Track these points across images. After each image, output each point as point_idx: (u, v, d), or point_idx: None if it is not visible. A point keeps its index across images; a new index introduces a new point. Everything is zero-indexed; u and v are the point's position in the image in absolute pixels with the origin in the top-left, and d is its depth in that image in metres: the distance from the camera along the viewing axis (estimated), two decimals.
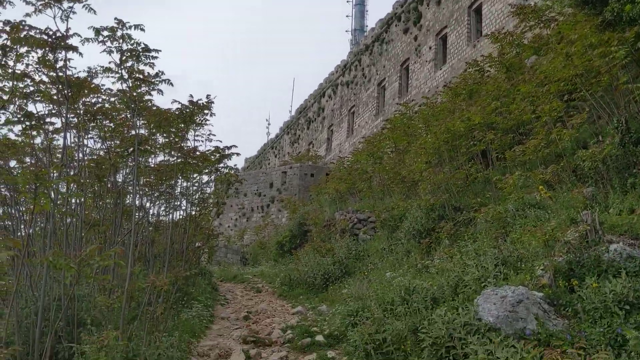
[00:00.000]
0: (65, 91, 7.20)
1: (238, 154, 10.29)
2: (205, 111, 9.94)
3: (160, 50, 7.52)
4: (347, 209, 18.22)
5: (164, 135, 10.03)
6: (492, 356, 5.68)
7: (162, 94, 8.52)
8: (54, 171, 7.07)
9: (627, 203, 8.04)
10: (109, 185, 10.74)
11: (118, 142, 9.17)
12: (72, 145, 9.48)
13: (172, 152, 9.65)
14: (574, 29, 10.27)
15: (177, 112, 9.14)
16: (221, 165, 10.55)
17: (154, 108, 9.19)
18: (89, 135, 10.20)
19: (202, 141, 11.10)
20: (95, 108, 8.03)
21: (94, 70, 8.47)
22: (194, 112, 9.25)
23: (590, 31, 9.55)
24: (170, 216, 12.84)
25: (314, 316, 10.80)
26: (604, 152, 9.12)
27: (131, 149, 8.43)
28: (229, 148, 9.95)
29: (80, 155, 9.79)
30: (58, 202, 7.95)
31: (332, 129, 45.53)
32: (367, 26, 61.79)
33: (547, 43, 13.96)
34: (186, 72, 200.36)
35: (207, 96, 9.81)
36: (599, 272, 6.60)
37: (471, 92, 15.07)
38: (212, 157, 10.20)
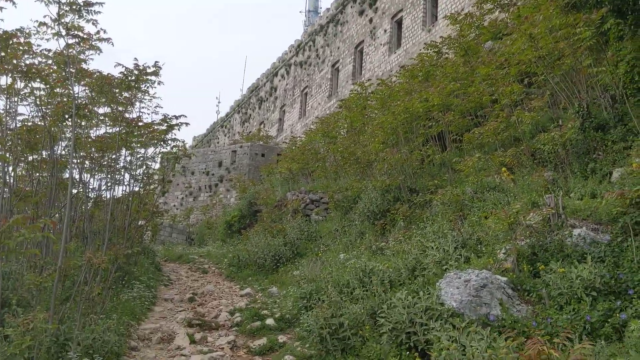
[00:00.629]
0: None
1: (187, 124, 9.59)
2: (152, 77, 9.20)
3: (104, 4, 6.76)
4: (300, 190, 17.76)
5: (106, 104, 9.24)
6: (457, 343, 5.36)
7: (101, 53, 7.70)
8: None
9: (588, 188, 7.91)
10: (44, 156, 9.87)
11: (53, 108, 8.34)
12: (1, 111, 8.59)
13: (115, 122, 8.87)
14: (537, 10, 10.06)
15: (121, 77, 8.37)
16: (169, 136, 9.83)
17: (96, 73, 8.41)
18: (24, 103, 9.32)
19: (149, 114, 10.41)
20: (26, 67, 7.17)
21: (27, 30, 7.63)
22: (140, 78, 8.50)
23: (555, 12, 9.35)
24: (112, 192, 12.04)
25: (264, 299, 10.33)
26: (565, 136, 8.99)
27: (68, 115, 7.64)
28: (177, 117, 9.24)
29: (11, 122, 8.92)
30: None
31: (285, 109, 44.83)
32: (321, 7, 61.08)
33: (506, 27, 13.82)
34: (133, 44, 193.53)
35: (155, 62, 9.06)
36: (562, 256, 6.40)
37: (428, 74, 14.80)
38: (159, 127, 9.45)
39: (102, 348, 5.84)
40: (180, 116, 9.20)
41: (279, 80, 47.01)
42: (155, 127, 9.38)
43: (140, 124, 9.07)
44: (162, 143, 10.04)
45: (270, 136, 42.79)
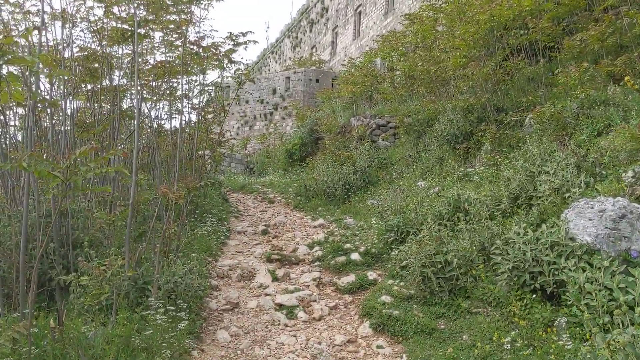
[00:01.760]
0: None
1: (255, 42, 8.62)
2: None
3: None
4: (364, 114, 16.73)
5: (163, 27, 8.34)
6: (599, 285, 4.49)
7: None
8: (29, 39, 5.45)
9: None
10: (105, 84, 9.24)
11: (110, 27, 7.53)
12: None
13: (175, 41, 8.01)
14: None
15: None
16: (234, 56, 8.91)
17: None
18: (79, 28, 8.58)
19: (207, 36, 9.45)
20: None
21: None
22: None
23: None
24: (172, 121, 11.43)
25: (341, 230, 9.66)
26: None
27: (128, 35, 6.83)
28: (244, 34, 8.28)
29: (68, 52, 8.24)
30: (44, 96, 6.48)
31: (337, 31, 42.91)
32: None
33: None
34: None
35: None
36: None
37: None
38: (221, 47, 8.54)
39: (185, 293, 5.29)
40: (247, 32, 8.25)
41: (331, 0, 44.83)
42: (218, 47, 8.46)
43: (203, 44, 8.17)
44: (227, 65, 9.15)
45: (323, 60, 41.31)
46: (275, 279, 7.18)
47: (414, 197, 8.87)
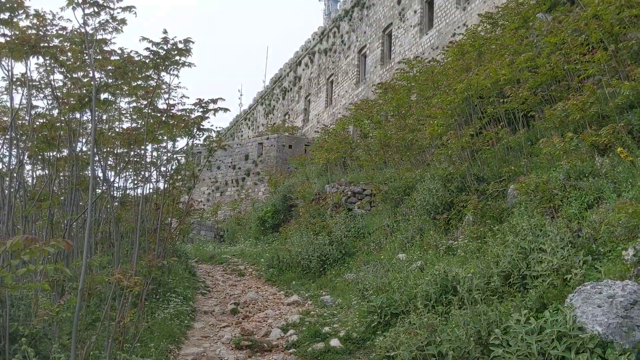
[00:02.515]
0: None
1: (226, 110, 8.08)
2: (182, 58, 7.79)
3: None
4: (340, 181, 16.33)
5: (129, 92, 7.86)
6: None
7: (124, 27, 6.39)
8: None
9: None
10: (64, 154, 8.62)
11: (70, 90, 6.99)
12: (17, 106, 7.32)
13: (142, 110, 7.51)
14: None
15: (147, 54, 7.01)
16: (204, 124, 8.41)
17: (116, 53, 7.04)
18: (41, 95, 8.05)
19: (177, 103, 9.03)
20: (33, 36, 5.82)
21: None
22: (169, 55, 7.11)
23: None
24: (138, 190, 10.79)
25: (317, 309, 8.96)
26: None
27: (87, 99, 6.29)
28: (214, 101, 7.80)
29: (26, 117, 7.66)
30: None
31: (310, 99, 43.38)
32: None
33: None
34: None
35: (187, 38, 7.63)
36: None
37: (480, 50, 13.15)
38: (191, 113, 8.05)
39: None
40: (217, 99, 7.79)
41: (303, 70, 45.53)
42: (188, 114, 7.96)
43: (174, 111, 7.67)
44: (197, 133, 8.64)
45: (296, 127, 41.41)
46: None
47: (397, 273, 8.27)
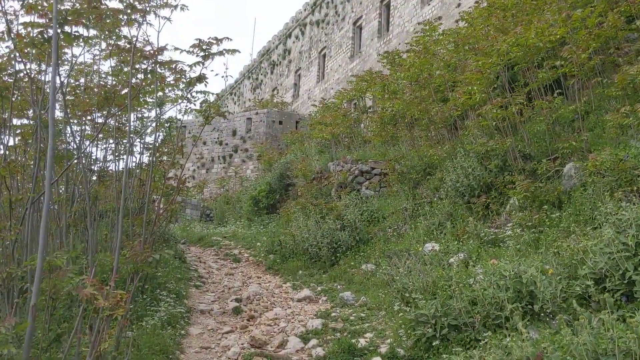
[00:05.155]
0: None
1: (235, 51, 6.21)
2: None
3: None
4: (345, 158, 14.71)
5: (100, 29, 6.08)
6: None
7: None
8: None
9: None
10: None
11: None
12: None
13: (121, 51, 5.75)
14: None
15: None
16: (205, 76, 6.62)
17: None
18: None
19: (165, 46, 7.27)
20: None
21: None
22: None
23: None
24: (121, 163, 9.11)
25: (339, 310, 7.40)
26: None
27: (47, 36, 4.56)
28: (217, 41, 5.94)
29: None
30: None
31: (300, 73, 41.48)
32: None
33: None
34: None
35: None
36: None
37: (516, 6, 11.40)
38: (189, 58, 6.31)
39: None
40: (222, 39, 5.96)
41: (293, 42, 43.48)
42: (180, 65, 6.19)
43: (163, 54, 5.88)
44: (192, 93, 6.93)
45: (285, 103, 39.54)
46: None
47: (440, 269, 6.73)
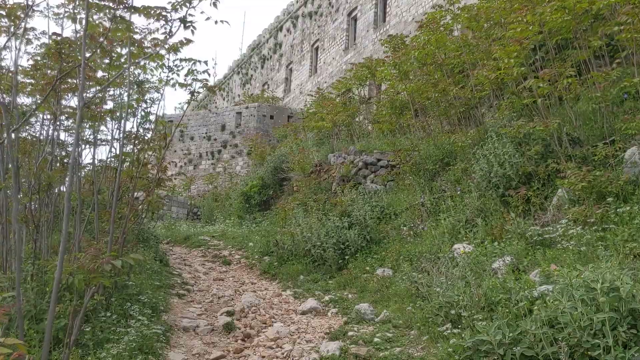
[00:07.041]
0: None
1: None
2: None
3: None
4: (347, 150, 13.26)
5: None
6: None
7: None
8: None
9: None
10: None
11: None
12: None
13: None
14: None
15: None
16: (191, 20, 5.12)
17: None
18: None
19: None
20: None
21: None
22: None
23: None
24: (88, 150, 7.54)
25: (356, 328, 5.94)
26: None
27: None
28: None
29: None
30: None
31: (292, 67, 40.01)
32: None
33: None
34: None
35: None
36: None
37: None
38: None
39: None
40: None
41: (285, 36, 41.97)
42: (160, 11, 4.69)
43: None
44: (177, 63, 5.44)
45: (276, 97, 38.04)
46: None
47: (489, 278, 5.30)
